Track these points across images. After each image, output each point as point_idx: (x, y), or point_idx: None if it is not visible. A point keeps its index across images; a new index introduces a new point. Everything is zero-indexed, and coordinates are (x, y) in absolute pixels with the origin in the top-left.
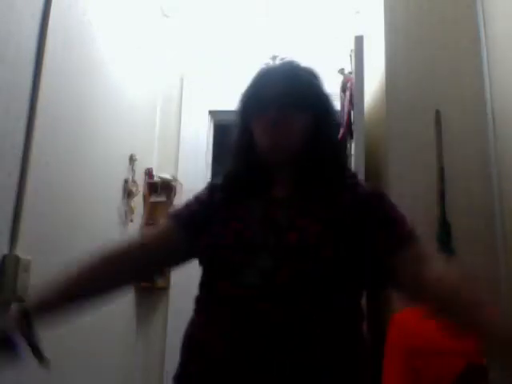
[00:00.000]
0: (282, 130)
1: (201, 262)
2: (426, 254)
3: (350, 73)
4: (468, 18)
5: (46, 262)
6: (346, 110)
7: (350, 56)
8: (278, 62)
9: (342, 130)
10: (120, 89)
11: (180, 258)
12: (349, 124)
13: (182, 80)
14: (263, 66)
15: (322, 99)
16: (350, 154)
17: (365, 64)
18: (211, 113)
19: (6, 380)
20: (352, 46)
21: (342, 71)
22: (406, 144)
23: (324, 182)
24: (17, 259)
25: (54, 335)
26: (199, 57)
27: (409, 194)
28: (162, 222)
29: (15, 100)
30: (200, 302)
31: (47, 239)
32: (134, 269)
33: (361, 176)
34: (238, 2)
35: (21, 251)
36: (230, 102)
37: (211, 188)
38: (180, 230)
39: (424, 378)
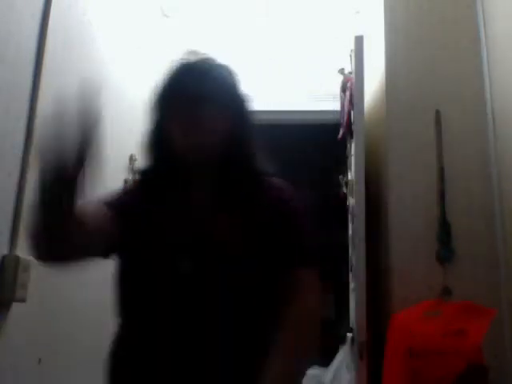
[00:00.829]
0: (201, 130)
1: (117, 257)
2: (301, 286)
3: (350, 73)
4: (468, 18)
5: None
6: (346, 109)
7: (350, 56)
8: (195, 58)
9: (342, 130)
10: (120, 89)
11: (109, 245)
12: (349, 124)
13: None
14: (180, 60)
15: (239, 100)
16: (350, 154)
17: (365, 64)
18: None
19: (5, 380)
20: (352, 45)
21: (342, 71)
22: (406, 144)
23: (240, 184)
24: (17, 259)
25: (54, 334)
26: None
27: (409, 194)
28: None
29: (15, 100)
30: (122, 303)
31: None
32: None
33: (361, 176)
34: (238, 2)
35: (21, 251)
36: None
37: (127, 189)
38: (113, 216)
39: (424, 378)
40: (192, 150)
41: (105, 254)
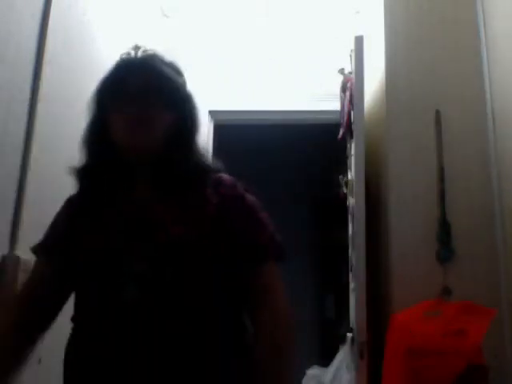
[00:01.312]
0: (141, 125)
1: (72, 281)
2: (265, 283)
3: (350, 73)
4: (468, 18)
5: None
6: (346, 109)
7: (350, 56)
8: (139, 53)
9: (342, 130)
10: None
11: (60, 290)
12: (349, 124)
13: None
14: (124, 55)
15: (184, 98)
16: (350, 154)
17: (365, 64)
18: (211, 113)
19: None
20: (352, 45)
21: (342, 71)
22: (406, 144)
23: (185, 183)
24: (17, 259)
25: (54, 334)
26: (199, 57)
27: (409, 194)
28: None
29: (15, 100)
30: (76, 318)
31: None
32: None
33: (361, 176)
34: (238, 2)
35: (21, 251)
36: (230, 102)
37: (67, 202)
38: (46, 263)
39: (424, 378)
40: (133, 146)
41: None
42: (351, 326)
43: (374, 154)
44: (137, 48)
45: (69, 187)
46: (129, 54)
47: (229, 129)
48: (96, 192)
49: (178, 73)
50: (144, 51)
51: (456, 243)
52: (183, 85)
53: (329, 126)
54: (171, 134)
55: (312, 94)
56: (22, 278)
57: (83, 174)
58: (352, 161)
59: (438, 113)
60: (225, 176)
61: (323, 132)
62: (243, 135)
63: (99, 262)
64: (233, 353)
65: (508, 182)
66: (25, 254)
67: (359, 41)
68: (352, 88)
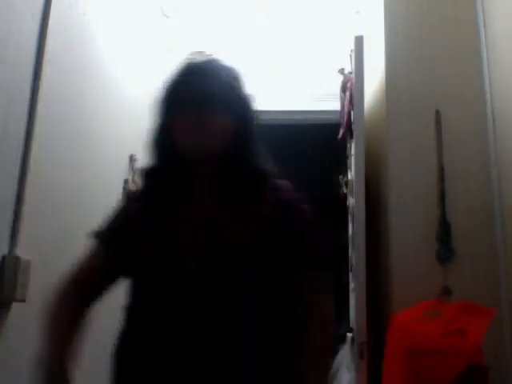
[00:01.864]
0: (205, 131)
1: (129, 274)
2: (316, 288)
3: (350, 73)
4: (468, 18)
5: (46, 262)
6: (346, 109)
7: (350, 56)
8: (201, 58)
9: (342, 130)
10: (120, 89)
11: (114, 278)
12: (349, 124)
13: None
14: (186, 60)
15: (243, 101)
16: (350, 154)
17: (365, 64)
18: None
19: (5, 380)
20: (352, 46)
21: (342, 71)
22: (406, 144)
23: (244, 187)
24: (17, 259)
25: None
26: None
27: (409, 194)
28: (88, 247)
29: (15, 100)
30: (132, 310)
31: (47, 239)
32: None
33: (361, 176)
34: (238, 2)
35: (21, 251)
36: None
37: (126, 198)
38: (105, 252)
39: (424, 378)
40: (195, 149)
41: (117, 281)
42: (351, 325)
43: (373, 154)
44: (198, 54)
45: (69, 187)
46: (192, 58)
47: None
48: (159, 193)
49: (239, 77)
50: (205, 56)
51: (456, 243)
52: (244, 89)
53: (329, 126)
54: (232, 138)
55: (312, 94)
56: (22, 277)
57: (149, 174)
58: (352, 161)
59: (437, 113)
60: (282, 181)
61: (323, 132)
62: None
63: (158, 262)
64: (288, 349)
65: (508, 182)
66: (25, 254)
67: (359, 41)
68: (352, 88)
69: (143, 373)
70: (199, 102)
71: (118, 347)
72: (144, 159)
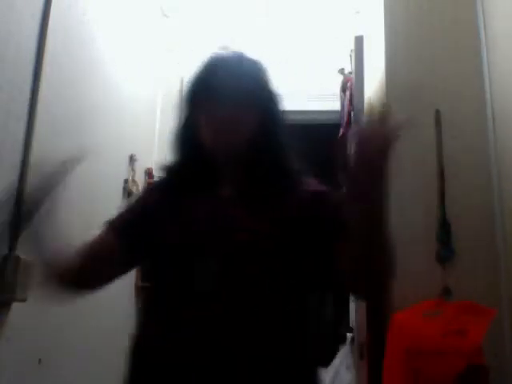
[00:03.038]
0: (231, 127)
1: (146, 267)
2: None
3: (350, 73)
4: (468, 18)
5: None
6: (346, 110)
7: (350, 56)
8: (227, 53)
9: (341, 130)
10: (120, 89)
11: (120, 267)
12: (349, 124)
13: (181, 80)
14: (213, 55)
15: (270, 97)
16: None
17: (365, 64)
18: None
19: (6, 380)
20: (352, 46)
21: (342, 71)
22: (406, 144)
23: (270, 182)
24: (17, 259)
25: (54, 334)
26: (199, 57)
27: (409, 194)
28: (100, 230)
29: (15, 100)
30: (150, 305)
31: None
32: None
33: None
34: (238, 2)
35: (21, 251)
36: None
37: (149, 189)
38: (116, 239)
39: (424, 378)
40: (221, 147)
41: (123, 271)
42: (351, 325)
43: None
44: (224, 48)
45: (69, 187)
46: (217, 53)
47: None
48: (181, 187)
49: (263, 71)
50: (231, 51)
51: (456, 243)
52: (268, 83)
53: (329, 126)
54: (257, 133)
55: (312, 94)
56: (22, 277)
57: (173, 171)
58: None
59: (437, 112)
60: (312, 179)
61: (323, 132)
62: None
63: (174, 254)
64: (306, 345)
65: (508, 182)
66: (25, 254)
67: (359, 41)
68: (352, 88)
69: (157, 374)
70: (225, 97)
71: (134, 348)
72: (144, 159)
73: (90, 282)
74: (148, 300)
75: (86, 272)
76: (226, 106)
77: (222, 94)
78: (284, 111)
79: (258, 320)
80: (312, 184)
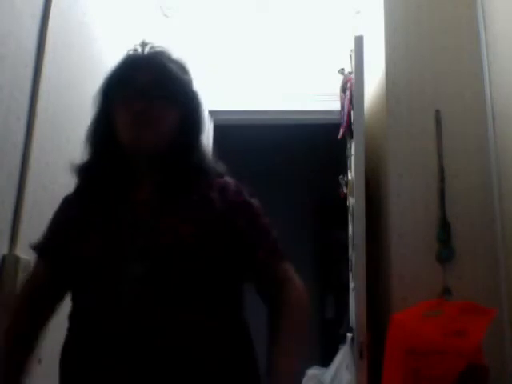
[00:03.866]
0: (148, 122)
1: (70, 279)
2: (280, 277)
3: (350, 73)
4: (468, 18)
5: None
6: (346, 110)
7: (350, 56)
8: (147, 50)
9: (342, 130)
10: None
11: (62, 293)
12: (349, 124)
13: None
14: (131, 51)
15: (190, 96)
16: (350, 154)
17: (365, 64)
18: (211, 113)
19: None
20: (352, 46)
21: (342, 71)
22: (406, 144)
23: (190, 183)
24: (17, 259)
25: (54, 334)
26: (199, 57)
27: (409, 194)
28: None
29: (15, 100)
30: (73, 318)
31: None
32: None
33: (361, 176)
34: (238, 2)
35: (21, 251)
36: (230, 102)
37: (64, 201)
38: (46, 267)
39: (424, 378)
40: (135, 143)
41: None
42: (351, 325)
43: (373, 154)
44: (144, 44)
45: (69, 187)
46: (136, 50)
47: (229, 129)
48: (97, 191)
49: (185, 70)
50: (151, 48)
51: (456, 243)
52: (189, 83)
53: (329, 126)
54: (176, 132)
55: (312, 94)
56: (22, 278)
57: (84, 171)
58: (352, 161)
59: (437, 113)
60: (230, 180)
61: (323, 132)
62: (243, 135)
63: (98, 264)
64: (233, 350)
65: (508, 182)
66: (25, 254)
67: (359, 41)
68: (352, 88)
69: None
70: (142, 94)
71: (62, 357)
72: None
73: (43, 324)
74: (72, 316)
75: (34, 325)
76: (142, 102)
77: (139, 90)
78: (202, 110)
79: (184, 322)
80: (233, 189)
